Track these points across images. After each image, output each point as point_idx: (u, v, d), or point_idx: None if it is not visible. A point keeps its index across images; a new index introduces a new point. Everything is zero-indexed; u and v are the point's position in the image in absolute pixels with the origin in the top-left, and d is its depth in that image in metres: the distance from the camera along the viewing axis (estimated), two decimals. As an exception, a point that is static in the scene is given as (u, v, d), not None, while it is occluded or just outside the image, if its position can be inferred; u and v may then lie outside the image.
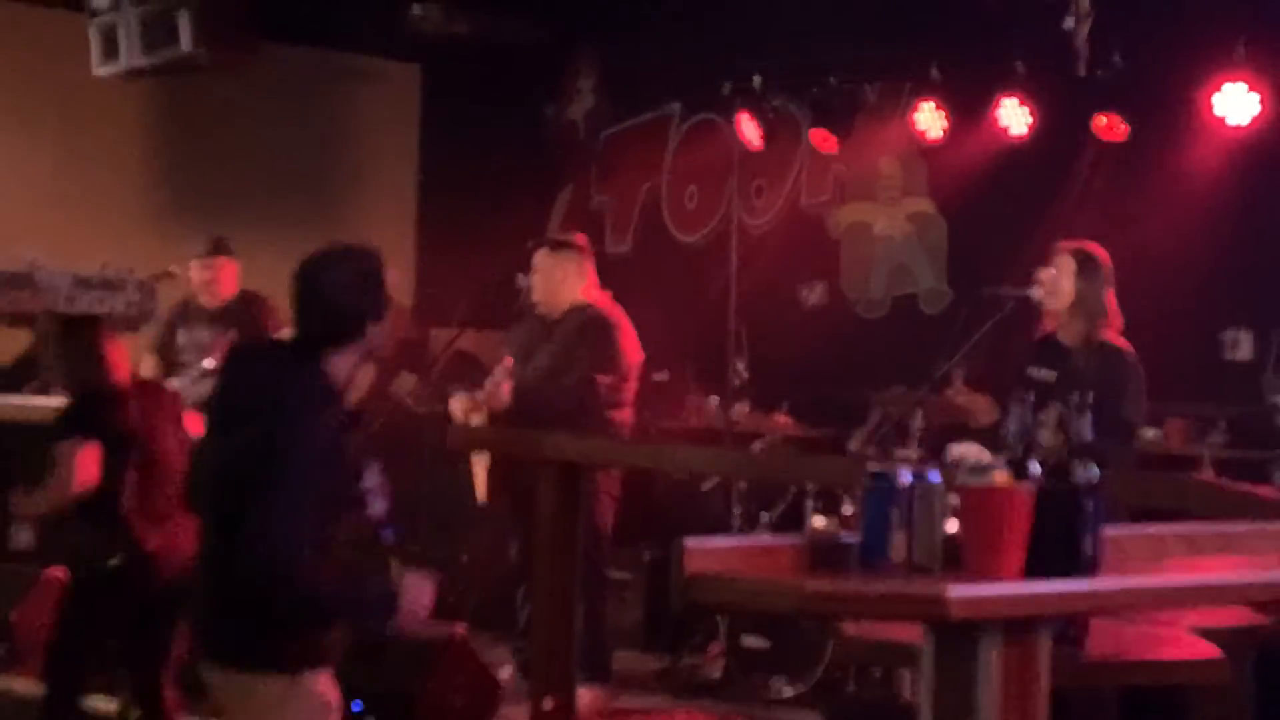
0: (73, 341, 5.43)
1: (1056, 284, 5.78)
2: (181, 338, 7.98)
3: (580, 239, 7.29)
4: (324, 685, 3.77)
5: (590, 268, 7.18)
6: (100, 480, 5.24)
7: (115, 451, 5.26)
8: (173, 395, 5.72)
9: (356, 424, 5.80)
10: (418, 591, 3.77)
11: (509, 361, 6.98)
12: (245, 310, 7.85)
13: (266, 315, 7.71)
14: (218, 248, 7.99)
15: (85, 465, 5.19)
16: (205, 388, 5.93)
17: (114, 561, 5.24)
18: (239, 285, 8.02)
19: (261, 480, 3.55)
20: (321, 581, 3.62)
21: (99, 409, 5.30)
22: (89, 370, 5.34)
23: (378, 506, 3.93)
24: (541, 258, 7.16)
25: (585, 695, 6.70)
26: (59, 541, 5.47)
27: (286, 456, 3.57)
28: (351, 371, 3.83)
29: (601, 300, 7.14)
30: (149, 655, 5.36)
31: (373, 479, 3.91)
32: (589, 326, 7.00)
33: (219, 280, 7.96)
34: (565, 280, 7.10)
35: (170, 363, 7.93)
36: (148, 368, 7.86)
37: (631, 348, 7.03)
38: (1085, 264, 5.77)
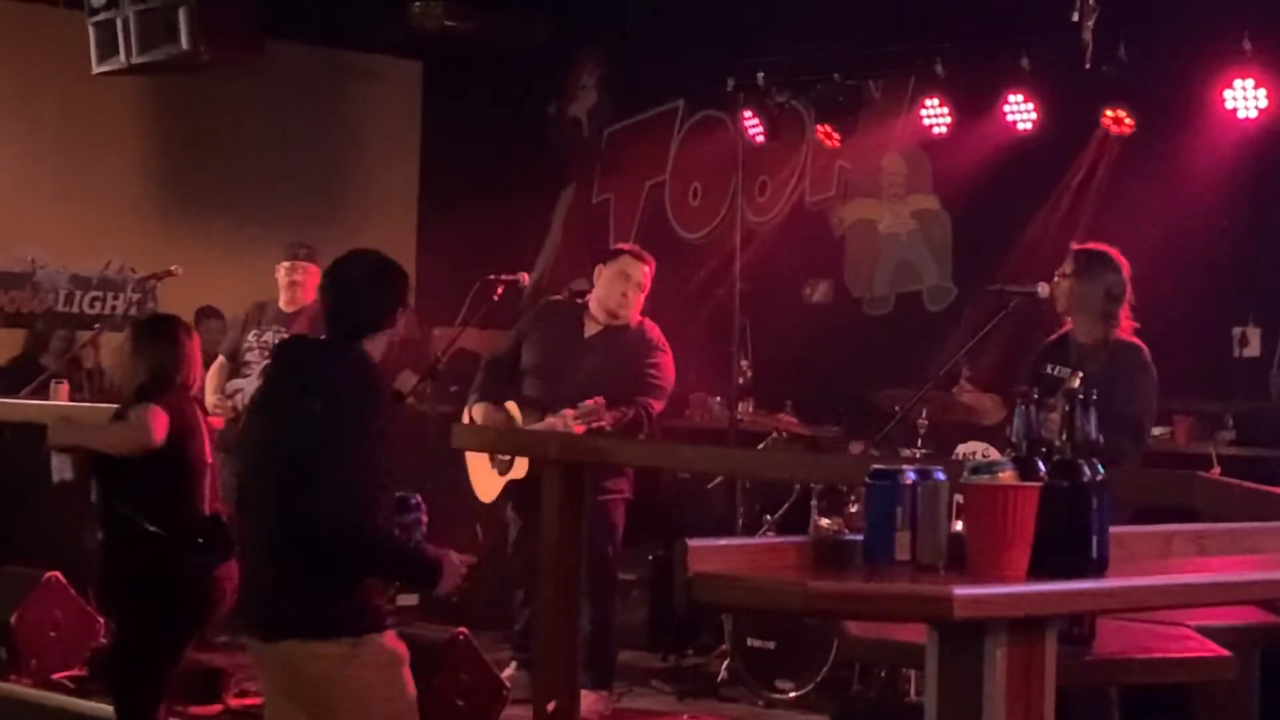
0: (155, 337, 5.43)
1: (1060, 284, 5.80)
2: (251, 339, 7.99)
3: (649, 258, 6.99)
4: (390, 641, 4.09)
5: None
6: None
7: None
8: (200, 405, 5.73)
9: (401, 403, 6.12)
10: (458, 564, 4.21)
11: (599, 401, 6.46)
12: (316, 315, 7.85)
13: None
14: (308, 254, 8.01)
15: (159, 424, 5.20)
16: None
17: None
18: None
19: (326, 452, 3.90)
20: (386, 535, 4.05)
21: (171, 394, 5.31)
22: (169, 363, 5.35)
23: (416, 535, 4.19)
24: (628, 264, 6.83)
25: (586, 699, 6.67)
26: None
27: (349, 430, 3.94)
28: (382, 356, 4.19)
29: (650, 323, 6.87)
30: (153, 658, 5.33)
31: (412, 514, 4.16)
32: (649, 347, 6.73)
33: (304, 284, 7.98)
34: (638, 295, 6.79)
35: (239, 363, 7.96)
36: (216, 368, 7.88)
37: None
38: (1085, 265, 5.77)
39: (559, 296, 7.67)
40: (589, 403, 6.45)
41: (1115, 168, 8.07)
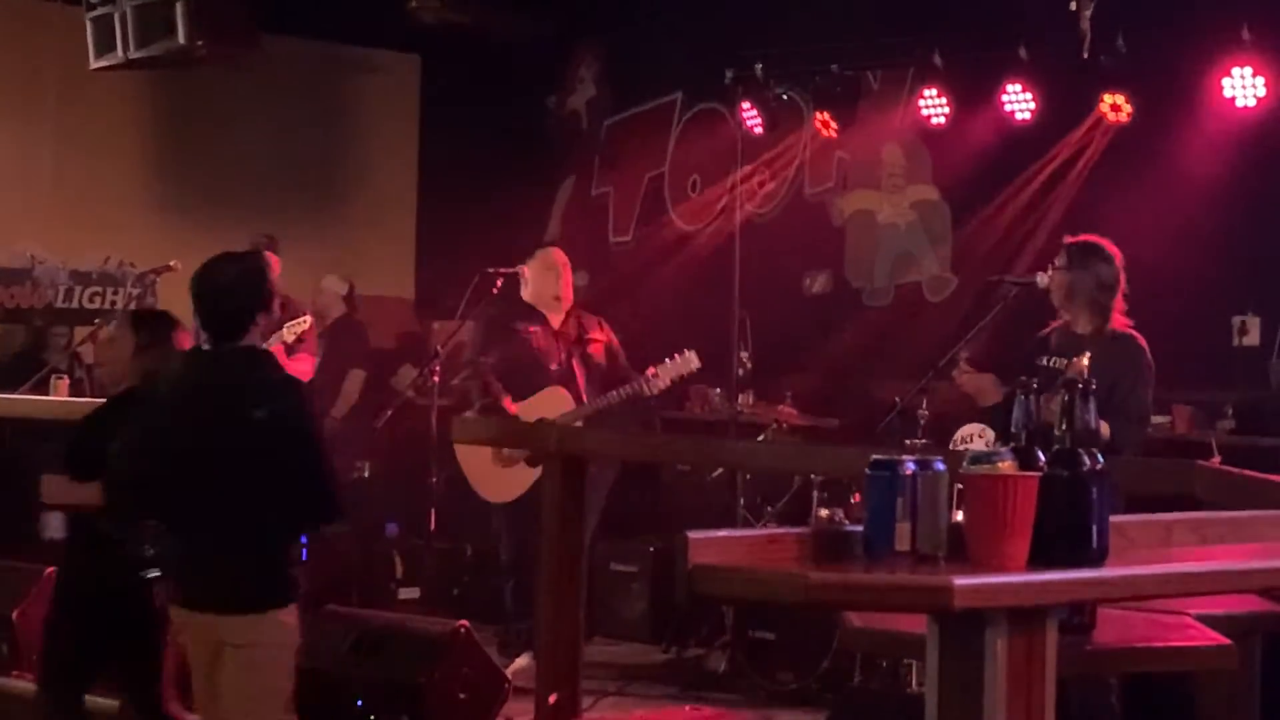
0: (155, 339, 5.40)
1: (1054, 277, 5.81)
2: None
3: None
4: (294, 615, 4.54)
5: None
6: None
7: None
8: None
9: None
10: None
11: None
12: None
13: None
14: (269, 244, 7.98)
15: None
16: None
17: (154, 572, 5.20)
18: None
19: (287, 449, 4.40)
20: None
21: None
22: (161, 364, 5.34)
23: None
24: (550, 255, 7.52)
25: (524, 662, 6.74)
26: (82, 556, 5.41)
27: (300, 428, 4.47)
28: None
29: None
30: (150, 657, 5.34)
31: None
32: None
33: None
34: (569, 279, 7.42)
35: None
36: None
37: None
38: (1074, 257, 5.78)
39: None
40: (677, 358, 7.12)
41: (1114, 157, 8.06)
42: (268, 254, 7.97)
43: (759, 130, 9.00)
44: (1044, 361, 5.69)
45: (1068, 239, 5.92)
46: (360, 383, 9.17)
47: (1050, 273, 5.84)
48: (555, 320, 7.55)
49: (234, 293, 4.52)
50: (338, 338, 9.08)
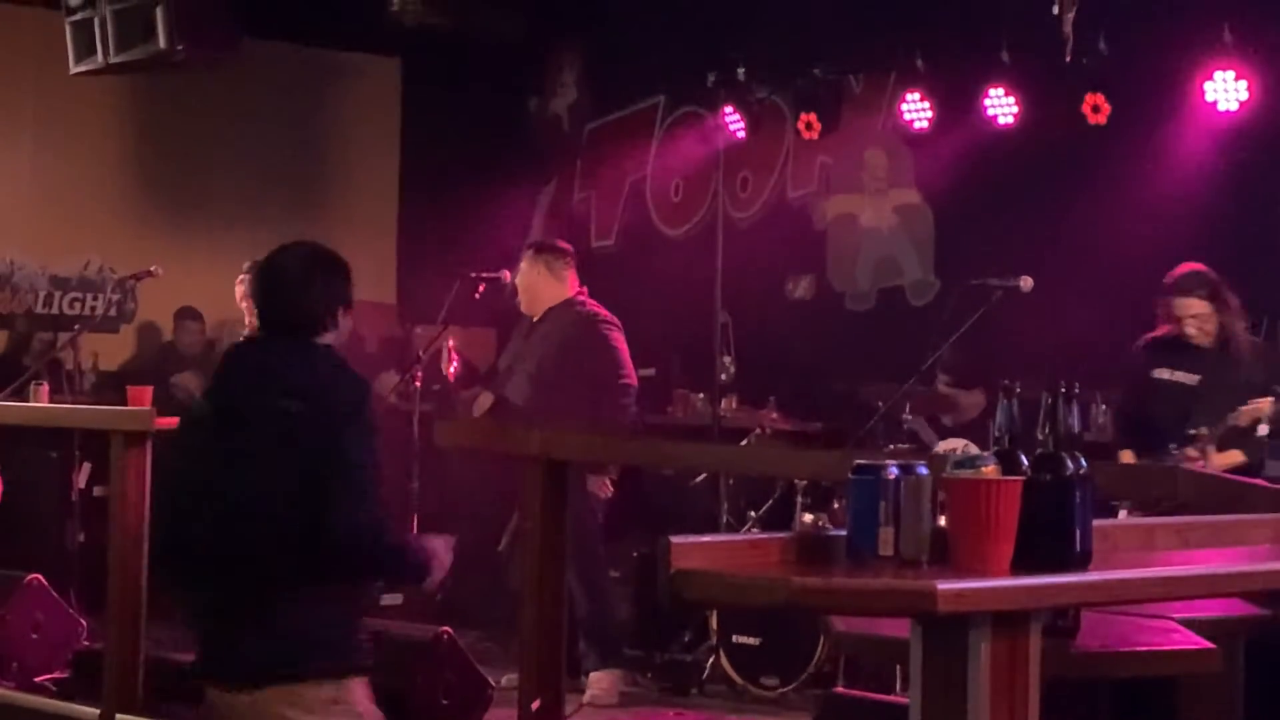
0: None
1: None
2: None
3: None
4: (364, 691, 3.76)
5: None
6: None
7: None
8: None
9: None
10: (444, 551, 3.92)
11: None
12: None
13: None
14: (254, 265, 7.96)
15: None
16: None
17: None
18: None
19: (334, 460, 3.61)
20: (398, 535, 3.86)
21: None
22: None
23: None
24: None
25: (595, 681, 6.75)
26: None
27: (354, 433, 3.67)
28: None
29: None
30: None
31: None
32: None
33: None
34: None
35: None
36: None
37: None
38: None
39: None
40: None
41: (1097, 161, 8.07)
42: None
43: (741, 134, 8.99)
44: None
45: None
46: None
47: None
48: None
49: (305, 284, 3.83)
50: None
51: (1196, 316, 6.16)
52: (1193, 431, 5.91)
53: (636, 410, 7.22)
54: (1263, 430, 5.86)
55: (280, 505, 3.64)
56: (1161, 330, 6.30)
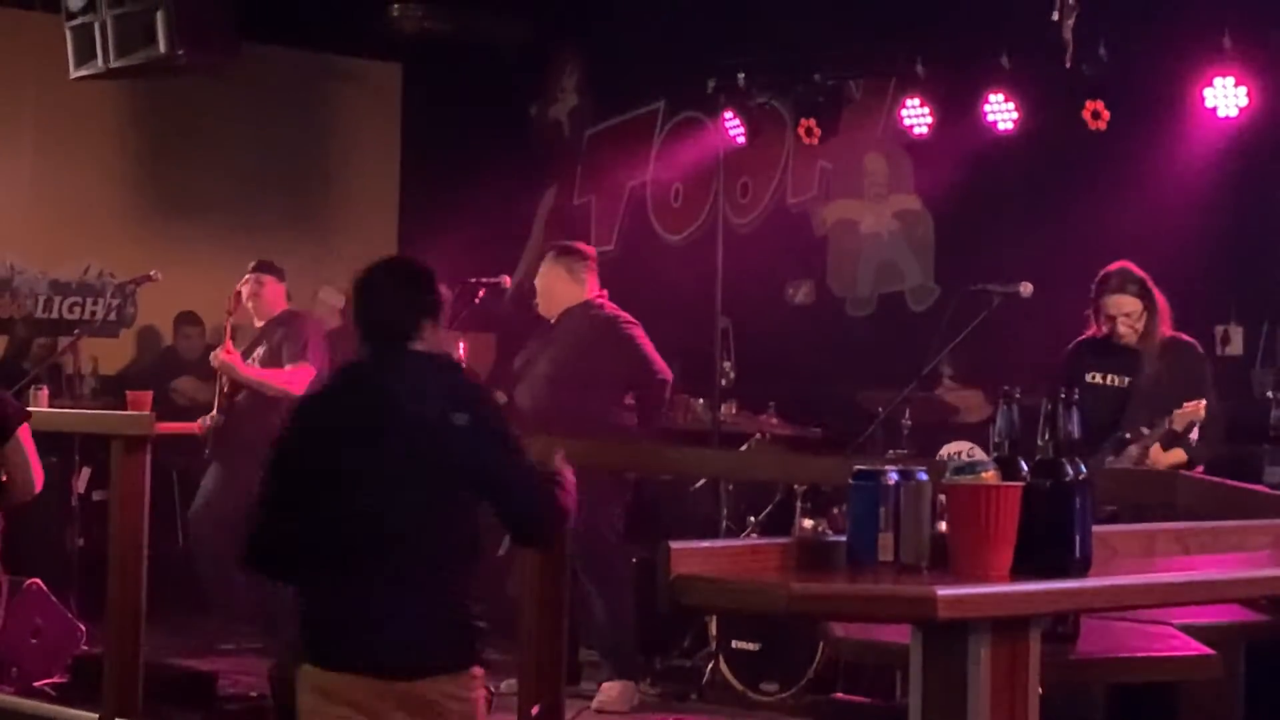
0: None
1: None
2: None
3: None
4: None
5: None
6: None
7: None
8: None
9: None
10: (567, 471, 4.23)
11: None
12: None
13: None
14: (258, 266, 8.08)
15: None
16: None
17: None
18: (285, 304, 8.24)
19: (498, 457, 4.00)
20: (551, 489, 4.15)
21: None
22: None
23: None
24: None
25: (608, 690, 6.75)
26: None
27: (497, 434, 4.03)
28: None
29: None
30: None
31: None
32: None
33: (259, 295, 8.06)
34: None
35: None
36: None
37: None
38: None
39: None
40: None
41: (1096, 167, 8.07)
42: (268, 279, 8.05)
43: (741, 139, 8.99)
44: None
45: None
46: None
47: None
48: None
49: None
50: (335, 349, 9.10)
51: (1129, 315, 6.21)
52: (1128, 435, 5.95)
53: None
54: (1194, 436, 5.90)
55: (442, 505, 3.99)
56: (1091, 331, 6.32)
